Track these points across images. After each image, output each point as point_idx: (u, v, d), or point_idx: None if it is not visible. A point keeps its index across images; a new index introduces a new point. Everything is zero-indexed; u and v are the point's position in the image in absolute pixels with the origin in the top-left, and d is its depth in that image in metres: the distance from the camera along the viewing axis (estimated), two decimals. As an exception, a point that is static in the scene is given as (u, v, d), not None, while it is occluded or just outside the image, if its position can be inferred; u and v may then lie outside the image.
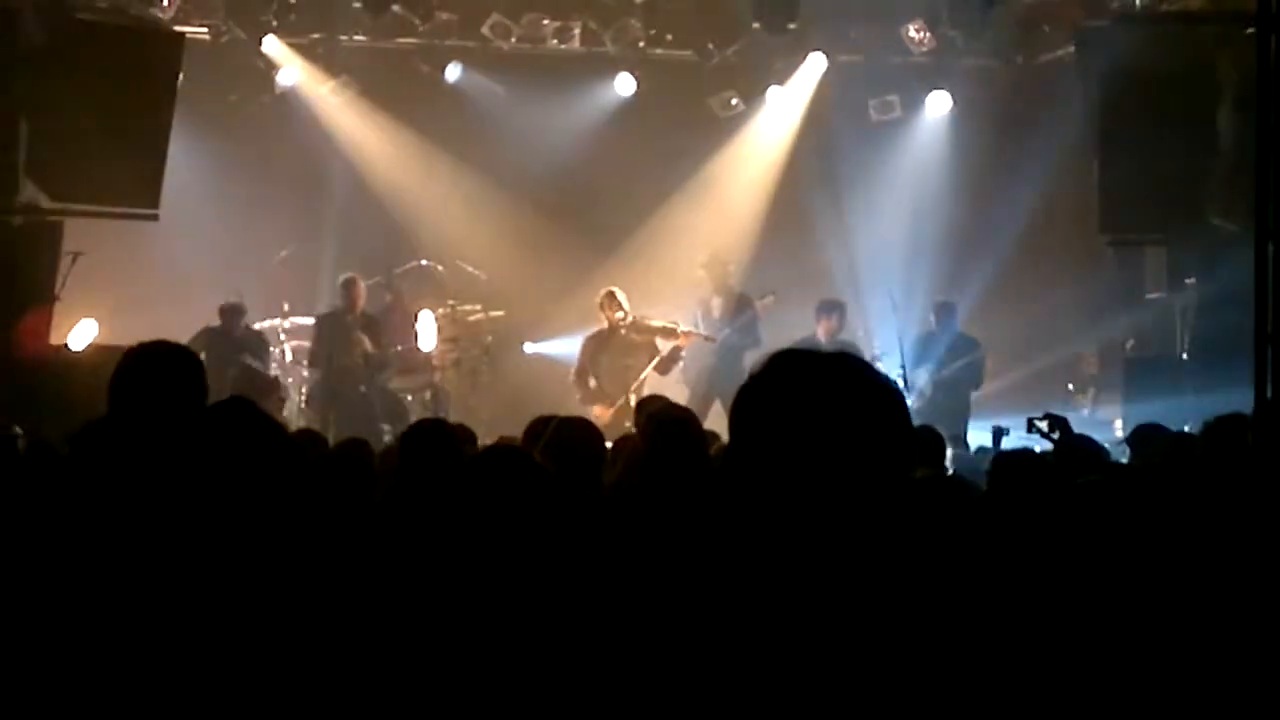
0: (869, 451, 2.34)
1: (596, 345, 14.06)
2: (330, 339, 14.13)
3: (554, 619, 3.19)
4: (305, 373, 14.88)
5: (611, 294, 14.08)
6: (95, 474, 4.02)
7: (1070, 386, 14.83)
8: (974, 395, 14.42)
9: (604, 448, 5.88)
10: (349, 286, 14.23)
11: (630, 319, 13.98)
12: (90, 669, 2.99)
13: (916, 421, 9.40)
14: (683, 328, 14.14)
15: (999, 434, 9.85)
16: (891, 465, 2.36)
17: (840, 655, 2.26)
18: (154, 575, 3.09)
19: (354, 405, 13.76)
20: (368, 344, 14.05)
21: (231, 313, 14.06)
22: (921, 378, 14.07)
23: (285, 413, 13.95)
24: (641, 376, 13.68)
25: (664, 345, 14.09)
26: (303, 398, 14.67)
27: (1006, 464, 6.26)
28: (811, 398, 2.37)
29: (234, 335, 13.96)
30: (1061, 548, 4.21)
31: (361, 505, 5.88)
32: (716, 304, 14.75)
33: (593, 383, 13.91)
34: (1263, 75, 2.37)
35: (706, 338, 14.27)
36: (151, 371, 4.43)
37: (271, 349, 14.71)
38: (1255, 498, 4.38)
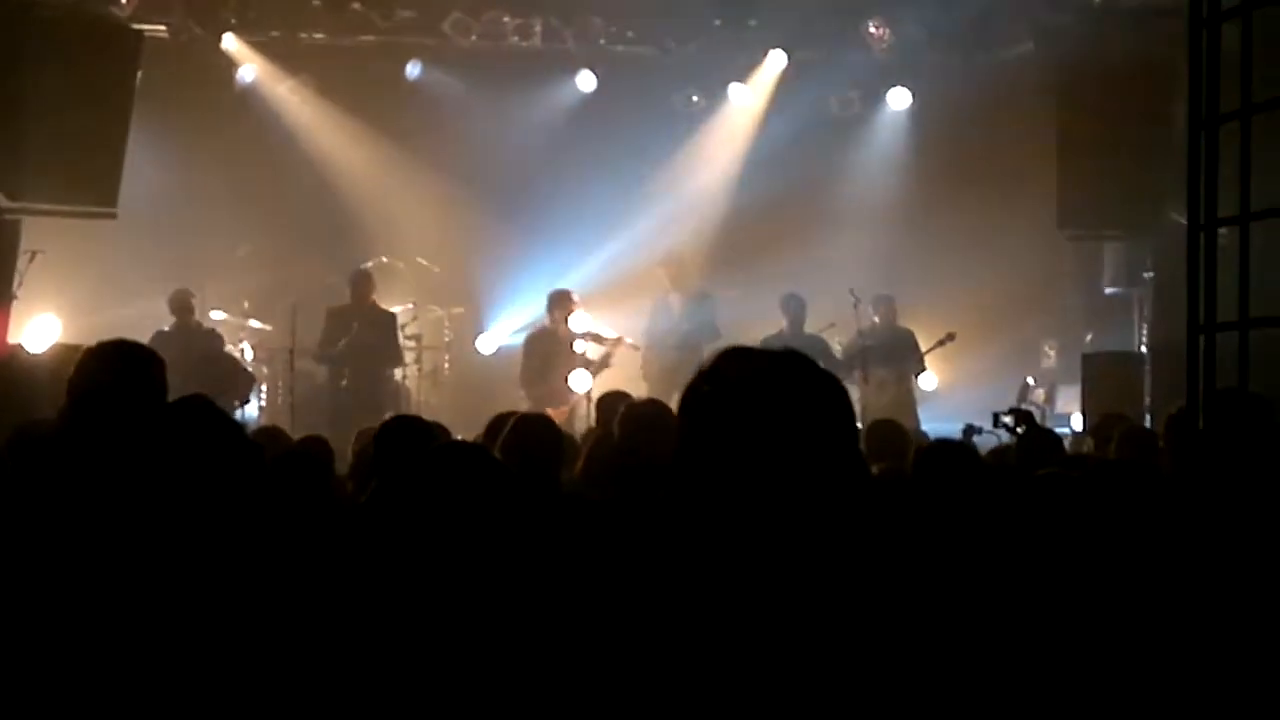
0: (814, 446, 2.35)
1: (545, 346, 14.02)
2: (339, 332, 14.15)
3: (511, 618, 3.17)
4: (265, 369, 14.82)
5: (568, 294, 14.09)
6: (39, 475, 3.97)
7: (1030, 380, 14.86)
8: (933, 388, 14.51)
9: (561, 445, 5.86)
10: (364, 279, 14.32)
11: (576, 320, 14.07)
12: (38, 675, 2.93)
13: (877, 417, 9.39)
14: (612, 335, 14.16)
15: (969, 432, 9.88)
16: (837, 459, 2.37)
17: (798, 648, 2.26)
18: (105, 576, 3.05)
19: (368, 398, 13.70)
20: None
21: (180, 305, 13.93)
22: (882, 374, 14.16)
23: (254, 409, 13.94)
24: (594, 378, 13.69)
25: (595, 350, 14.13)
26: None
27: (932, 454, 6.24)
28: (756, 394, 2.37)
29: (189, 329, 13.85)
30: (1017, 539, 4.22)
31: (320, 504, 5.84)
32: (675, 301, 14.72)
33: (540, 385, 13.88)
34: (1194, 71, 2.39)
35: (633, 346, 14.27)
36: (110, 369, 4.39)
37: (229, 346, 14.62)
38: (1205, 490, 4.40)
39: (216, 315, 14.93)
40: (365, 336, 13.97)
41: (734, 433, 2.35)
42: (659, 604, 2.35)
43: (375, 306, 14.44)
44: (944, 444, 6.53)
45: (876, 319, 14.63)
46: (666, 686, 2.27)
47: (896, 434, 7.92)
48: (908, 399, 14.26)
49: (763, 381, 2.40)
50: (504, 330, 16.27)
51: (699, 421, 2.41)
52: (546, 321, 14.18)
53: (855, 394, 13.57)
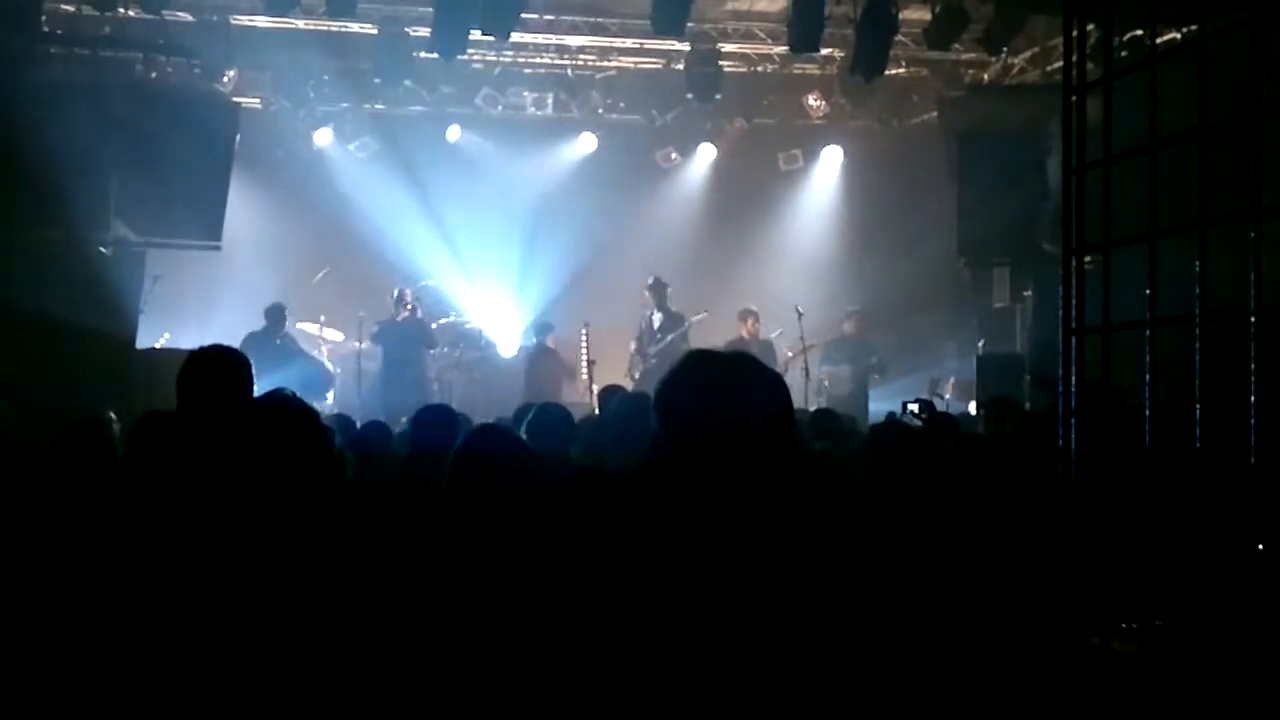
0: (760, 425, 2.38)
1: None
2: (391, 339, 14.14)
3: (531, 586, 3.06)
4: (338, 370, 14.75)
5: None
6: (154, 460, 3.89)
7: (935, 378, 14.83)
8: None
9: (572, 426, 5.84)
10: (400, 297, 14.28)
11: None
12: (124, 653, 2.69)
13: (821, 406, 9.39)
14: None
15: (892, 417, 9.85)
16: (778, 438, 2.40)
17: (753, 604, 2.23)
18: (207, 548, 2.92)
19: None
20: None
21: (274, 313, 13.76)
22: (844, 371, 14.24)
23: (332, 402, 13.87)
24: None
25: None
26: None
27: (884, 432, 6.21)
28: (715, 386, 2.43)
29: (278, 333, 13.71)
30: (931, 504, 4.20)
31: (379, 477, 5.80)
32: (657, 318, 14.71)
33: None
34: (1066, 130, 2.40)
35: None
36: (207, 370, 4.35)
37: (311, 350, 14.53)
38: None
39: (302, 326, 14.82)
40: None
41: (698, 415, 2.39)
42: (640, 556, 2.32)
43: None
44: (889, 425, 6.53)
45: (847, 328, 14.68)
46: (640, 643, 2.24)
47: (833, 419, 7.90)
48: (862, 392, 14.27)
49: (720, 375, 2.46)
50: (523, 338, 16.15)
51: (671, 407, 2.44)
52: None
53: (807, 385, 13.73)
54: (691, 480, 2.35)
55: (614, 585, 2.34)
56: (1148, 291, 2.69)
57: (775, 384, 2.46)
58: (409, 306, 14.23)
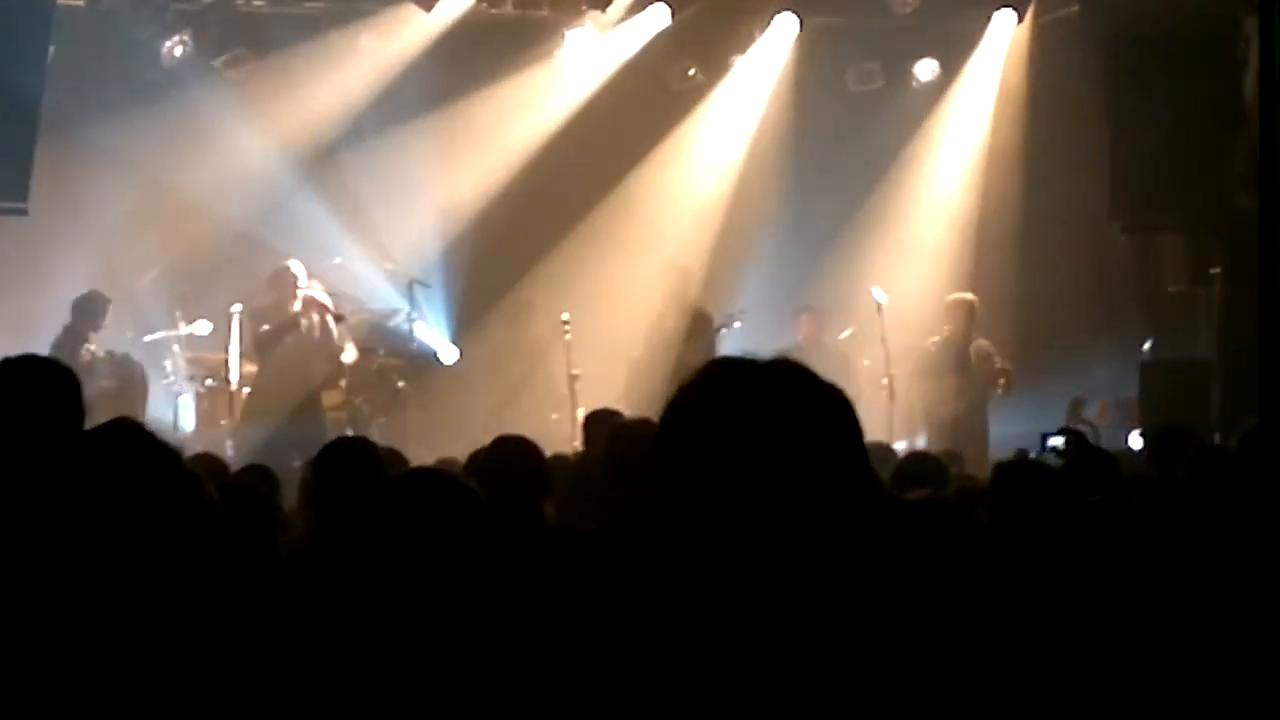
0: (811, 467, 2.34)
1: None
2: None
3: (485, 673, 3.16)
4: (200, 388, 14.78)
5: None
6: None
7: (1080, 395, 14.87)
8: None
9: (547, 471, 5.88)
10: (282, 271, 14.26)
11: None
12: None
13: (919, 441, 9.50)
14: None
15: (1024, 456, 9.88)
16: (838, 481, 2.36)
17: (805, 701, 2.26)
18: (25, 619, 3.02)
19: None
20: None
21: (87, 307, 13.79)
22: (949, 388, 14.16)
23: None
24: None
25: None
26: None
27: (1008, 476, 6.23)
28: (746, 410, 2.37)
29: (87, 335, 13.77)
30: (1067, 577, 4.22)
31: (263, 547, 5.82)
32: (670, 318, 14.70)
33: None
34: (1266, 31, 2.38)
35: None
36: (17, 390, 4.38)
37: (163, 363, 14.58)
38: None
39: (149, 339, 14.85)
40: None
41: (718, 453, 2.35)
42: (646, 645, 2.35)
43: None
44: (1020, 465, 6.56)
45: (949, 326, 14.56)
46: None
47: (930, 464, 7.93)
48: (976, 417, 14.20)
49: (751, 395, 2.38)
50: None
51: (680, 442, 2.40)
52: None
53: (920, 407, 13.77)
54: (710, 546, 2.34)
55: (593, 702, 2.37)
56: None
57: (834, 406, 2.42)
58: (302, 296, 14.25)
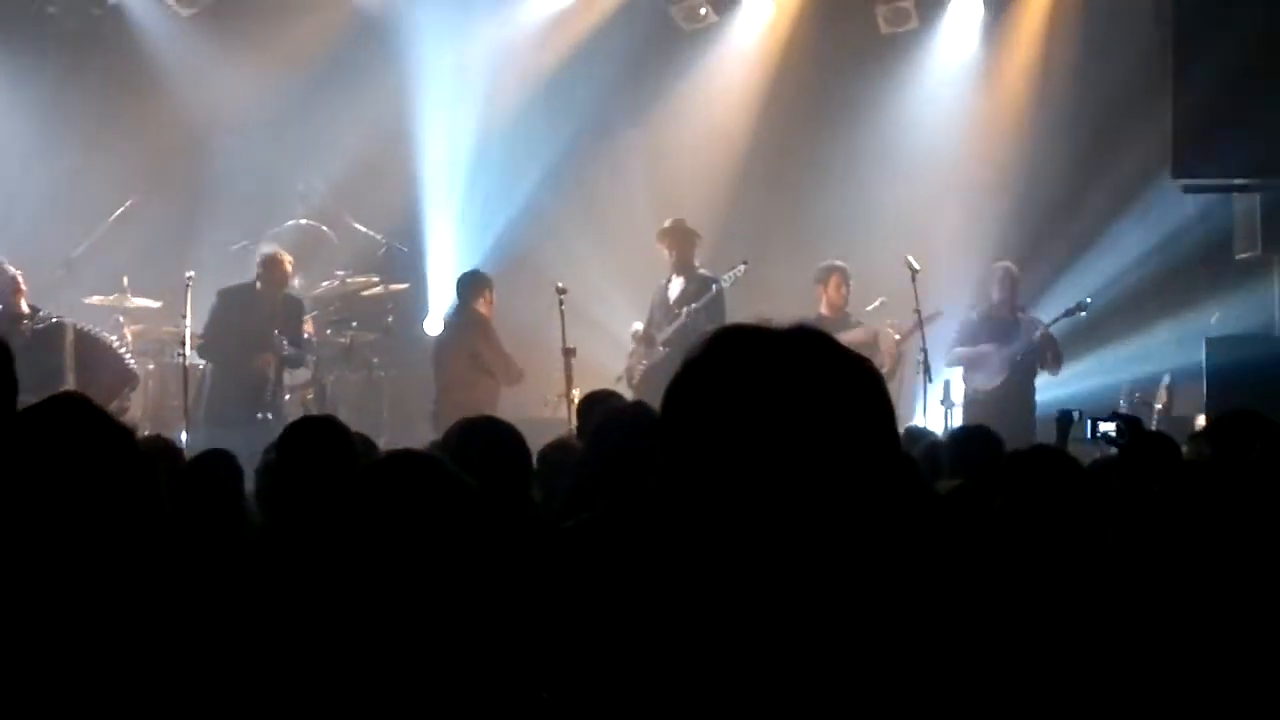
0: (833, 449, 2.29)
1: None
2: (238, 323, 14.16)
3: (475, 671, 3.19)
4: (151, 365, 14.79)
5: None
6: None
7: (1132, 379, 14.90)
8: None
9: (529, 455, 5.90)
10: (274, 261, 14.34)
11: None
12: None
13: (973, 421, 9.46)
14: None
15: (1065, 421, 9.84)
16: (864, 466, 2.31)
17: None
18: None
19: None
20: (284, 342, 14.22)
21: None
22: (990, 362, 14.17)
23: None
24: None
25: None
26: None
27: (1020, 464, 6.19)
28: (754, 385, 2.31)
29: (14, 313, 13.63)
30: (1125, 574, 4.24)
31: (227, 534, 5.86)
32: (675, 284, 14.66)
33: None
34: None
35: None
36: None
37: (109, 337, 14.60)
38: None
39: (91, 301, 14.84)
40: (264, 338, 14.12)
41: (721, 436, 2.30)
42: (644, 639, 2.37)
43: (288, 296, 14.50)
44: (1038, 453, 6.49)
45: (995, 295, 14.55)
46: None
47: (980, 444, 7.90)
48: (1021, 398, 14.26)
49: (764, 368, 2.32)
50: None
51: (684, 422, 2.35)
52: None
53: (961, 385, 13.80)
54: (716, 537, 2.31)
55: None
56: None
57: (861, 380, 2.35)
58: (265, 264, 14.32)
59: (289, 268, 14.49)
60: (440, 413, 13.40)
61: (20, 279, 13.67)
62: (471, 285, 14.59)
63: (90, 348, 13.79)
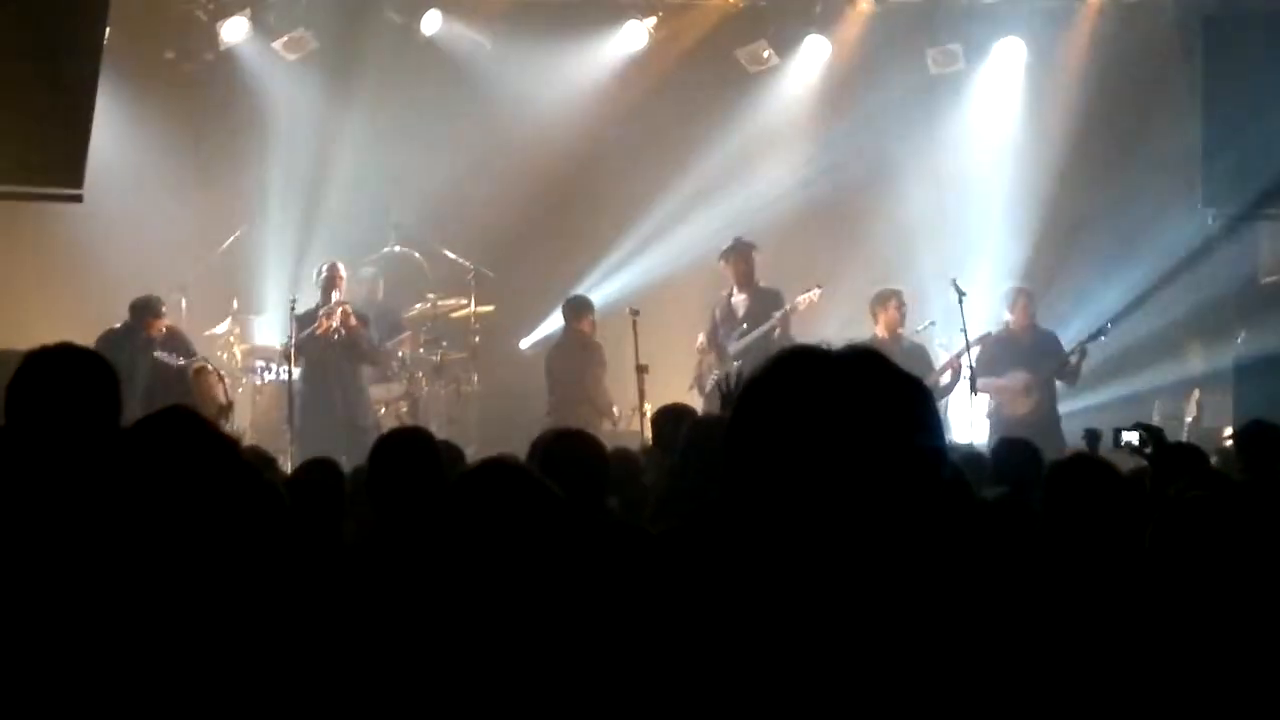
0: (888, 464, 2.30)
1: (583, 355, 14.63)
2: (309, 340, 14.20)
3: (564, 669, 3.18)
4: (258, 380, 14.86)
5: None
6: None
7: (1156, 393, 14.79)
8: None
9: (607, 466, 5.89)
10: (333, 275, 14.36)
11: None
12: None
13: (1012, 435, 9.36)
14: None
15: (1094, 438, 9.78)
16: (918, 480, 2.31)
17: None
18: (70, 625, 3.04)
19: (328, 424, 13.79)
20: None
21: (143, 310, 13.76)
22: (1018, 383, 14.07)
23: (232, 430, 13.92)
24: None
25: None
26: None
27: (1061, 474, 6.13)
28: (818, 404, 2.31)
29: (145, 337, 13.70)
30: (1151, 579, 4.20)
31: (328, 540, 5.88)
32: (740, 301, 14.69)
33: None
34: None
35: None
36: (54, 379, 4.35)
37: (219, 354, 14.68)
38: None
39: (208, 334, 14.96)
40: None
41: (787, 451, 2.31)
42: (715, 647, 2.35)
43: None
44: (1078, 461, 6.44)
45: (1010, 317, 14.46)
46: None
47: (1023, 455, 7.86)
48: (1047, 414, 14.13)
49: (824, 388, 2.33)
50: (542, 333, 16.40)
51: (748, 439, 2.36)
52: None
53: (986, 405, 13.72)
54: (775, 553, 2.31)
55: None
56: None
57: (917, 400, 2.36)
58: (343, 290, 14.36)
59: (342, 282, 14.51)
60: (558, 420, 13.46)
61: (164, 307, 13.86)
62: (577, 308, 15.01)
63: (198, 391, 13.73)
